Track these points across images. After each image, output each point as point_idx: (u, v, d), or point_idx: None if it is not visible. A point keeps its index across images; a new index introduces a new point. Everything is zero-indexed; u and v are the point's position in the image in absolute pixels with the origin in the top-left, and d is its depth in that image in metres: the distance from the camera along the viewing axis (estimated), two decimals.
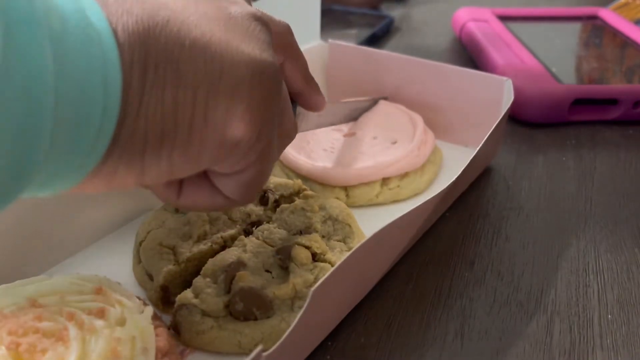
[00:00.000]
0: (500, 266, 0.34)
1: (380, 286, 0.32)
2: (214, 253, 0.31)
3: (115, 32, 0.18)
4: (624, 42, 0.64)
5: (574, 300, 0.31)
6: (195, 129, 0.20)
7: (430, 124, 0.45)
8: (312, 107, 0.32)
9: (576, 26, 0.71)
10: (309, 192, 0.36)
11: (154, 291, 0.30)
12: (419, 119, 0.44)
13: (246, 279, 0.29)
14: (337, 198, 0.38)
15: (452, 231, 0.37)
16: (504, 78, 0.42)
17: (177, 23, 0.20)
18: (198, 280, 0.29)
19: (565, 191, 0.41)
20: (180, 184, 0.25)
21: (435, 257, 0.35)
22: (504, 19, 0.69)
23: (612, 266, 0.34)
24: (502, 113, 0.39)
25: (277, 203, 0.35)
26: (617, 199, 0.41)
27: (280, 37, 0.28)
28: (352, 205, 0.38)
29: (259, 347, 0.21)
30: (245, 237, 0.32)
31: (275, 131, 0.24)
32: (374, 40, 0.70)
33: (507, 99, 0.41)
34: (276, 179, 0.36)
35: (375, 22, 0.73)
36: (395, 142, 0.42)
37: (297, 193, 0.36)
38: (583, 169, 0.44)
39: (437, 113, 0.46)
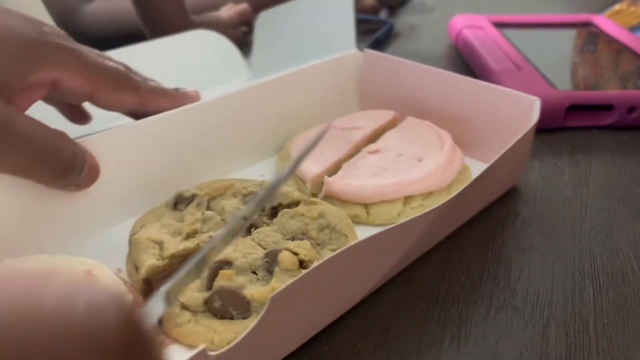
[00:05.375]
0: (496, 271, 0.34)
1: (377, 291, 0.32)
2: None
3: None
4: (619, 48, 0.64)
5: (570, 304, 0.32)
6: None
7: (459, 141, 0.43)
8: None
9: (571, 33, 0.71)
10: (313, 199, 0.35)
11: (137, 284, 0.31)
12: (447, 136, 0.42)
13: (228, 278, 0.29)
14: (357, 215, 0.37)
15: (448, 236, 0.37)
16: (534, 98, 0.39)
17: None
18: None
19: (561, 196, 0.41)
20: None
21: (432, 262, 0.35)
22: (499, 25, 0.69)
23: (607, 271, 0.34)
24: (525, 132, 0.37)
25: (275, 210, 0.35)
26: (612, 204, 0.41)
27: (43, 51, 0.29)
28: (372, 224, 0.37)
29: (203, 346, 0.21)
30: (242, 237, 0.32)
31: None
32: (376, 46, 0.70)
33: (533, 119, 0.38)
34: (283, 188, 0.36)
35: (376, 28, 0.74)
36: (421, 160, 0.40)
37: (297, 203, 0.35)
38: (578, 174, 0.44)
39: (466, 129, 0.44)
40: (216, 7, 0.75)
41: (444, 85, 0.44)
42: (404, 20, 0.84)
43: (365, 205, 0.38)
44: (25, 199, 0.33)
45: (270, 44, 0.54)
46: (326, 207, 0.35)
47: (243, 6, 0.75)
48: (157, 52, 0.55)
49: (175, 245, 0.32)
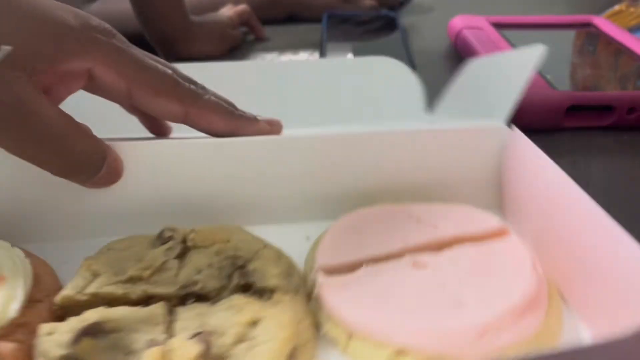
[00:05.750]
0: None
1: None
2: (125, 302, 0.28)
3: None
4: (618, 49, 0.64)
5: None
6: None
7: (574, 295, 0.30)
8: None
9: (570, 34, 0.71)
10: (279, 297, 0.28)
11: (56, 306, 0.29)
12: (530, 286, 0.28)
13: (86, 350, 0.25)
14: (336, 339, 0.28)
15: None
16: None
17: None
18: (70, 320, 0.27)
19: None
20: None
21: None
22: (498, 26, 0.69)
23: None
24: None
25: (245, 288, 0.29)
26: (611, 205, 0.41)
27: (78, 36, 0.30)
28: (350, 358, 0.28)
29: None
30: (172, 307, 0.28)
31: None
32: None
33: None
34: (268, 267, 0.29)
35: (378, 26, 0.74)
36: (462, 305, 0.27)
37: (272, 291, 0.28)
38: (578, 175, 0.44)
39: (587, 282, 0.29)
40: (215, 8, 0.75)
41: (580, 217, 0.30)
42: (403, 20, 0.84)
43: (350, 334, 0.28)
44: (51, 188, 0.32)
45: (458, 94, 0.46)
46: (272, 313, 0.27)
47: (242, 7, 0.75)
48: (332, 72, 0.48)
49: (103, 285, 0.28)
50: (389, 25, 0.75)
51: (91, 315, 0.27)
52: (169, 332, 0.26)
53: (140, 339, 0.26)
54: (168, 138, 0.36)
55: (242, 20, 0.74)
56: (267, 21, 0.78)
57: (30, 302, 0.28)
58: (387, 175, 0.36)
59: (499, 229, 0.33)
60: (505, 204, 0.37)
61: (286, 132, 0.37)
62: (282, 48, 0.72)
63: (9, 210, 0.34)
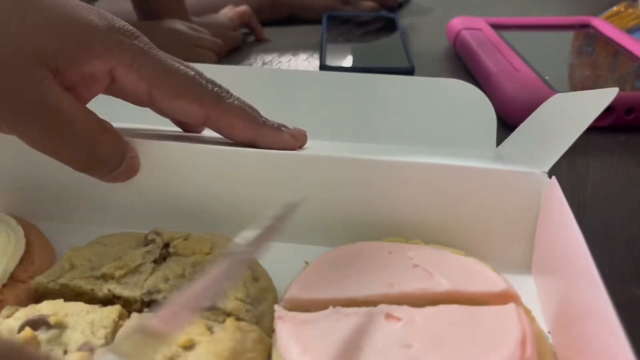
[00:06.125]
0: None
1: None
2: (91, 298, 0.28)
3: None
4: (616, 50, 0.64)
5: None
6: None
7: None
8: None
9: (569, 35, 0.72)
10: (230, 323, 0.26)
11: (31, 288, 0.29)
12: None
13: (25, 341, 0.25)
14: None
15: None
16: None
17: None
18: (30, 307, 0.27)
19: None
20: None
21: None
22: (497, 27, 0.70)
23: (604, 271, 0.34)
24: None
25: (210, 307, 0.27)
26: (609, 205, 0.41)
27: (101, 36, 0.30)
28: None
29: None
30: (133, 311, 0.27)
31: None
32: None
33: None
34: (233, 289, 0.27)
35: (380, 27, 0.75)
36: None
37: (228, 314, 0.27)
38: (576, 175, 0.45)
39: None
40: (216, 10, 0.75)
41: (589, 303, 0.26)
42: (402, 21, 0.84)
43: None
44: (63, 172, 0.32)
45: (529, 132, 0.40)
46: (212, 339, 0.25)
47: (243, 8, 0.75)
48: (400, 89, 0.44)
49: (75, 277, 0.28)
50: (389, 26, 0.76)
51: (45, 307, 0.26)
52: (109, 338, 0.25)
53: (79, 340, 0.25)
54: (187, 141, 0.36)
55: (242, 22, 0.75)
56: (268, 22, 0.78)
57: (13, 281, 0.28)
58: (404, 210, 0.34)
59: (502, 293, 0.28)
60: (534, 262, 0.33)
61: (319, 143, 0.36)
62: (282, 49, 0.72)
63: (31, 185, 0.34)
